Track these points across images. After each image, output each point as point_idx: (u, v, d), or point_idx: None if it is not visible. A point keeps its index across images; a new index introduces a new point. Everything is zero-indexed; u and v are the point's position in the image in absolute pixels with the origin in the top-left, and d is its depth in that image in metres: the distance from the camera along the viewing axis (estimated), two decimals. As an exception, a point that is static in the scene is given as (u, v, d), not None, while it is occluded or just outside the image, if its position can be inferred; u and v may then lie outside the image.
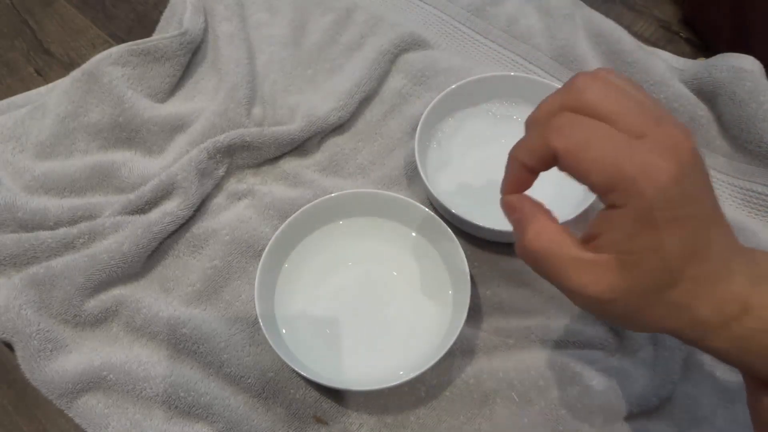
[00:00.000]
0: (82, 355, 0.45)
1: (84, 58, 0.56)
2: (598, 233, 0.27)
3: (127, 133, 0.53)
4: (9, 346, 0.45)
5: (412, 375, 0.40)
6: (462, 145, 0.53)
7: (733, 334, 0.27)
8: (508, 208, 0.31)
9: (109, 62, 0.53)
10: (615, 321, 0.29)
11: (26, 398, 0.44)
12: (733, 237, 0.28)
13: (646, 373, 0.43)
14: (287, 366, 0.43)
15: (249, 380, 0.44)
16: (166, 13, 0.61)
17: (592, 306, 0.28)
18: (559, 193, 0.50)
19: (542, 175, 0.48)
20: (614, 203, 0.26)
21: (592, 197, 0.46)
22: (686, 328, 0.28)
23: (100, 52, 0.54)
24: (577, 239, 0.28)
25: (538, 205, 0.30)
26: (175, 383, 0.43)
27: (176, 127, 0.53)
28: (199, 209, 0.51)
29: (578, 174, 0.27)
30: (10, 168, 0.52)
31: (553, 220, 0.29)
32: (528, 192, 0.31)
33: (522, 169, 0.30)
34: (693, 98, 0.54)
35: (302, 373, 0.40)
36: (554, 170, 0.29)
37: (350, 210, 0.48)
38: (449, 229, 0.45)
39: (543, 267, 0.28)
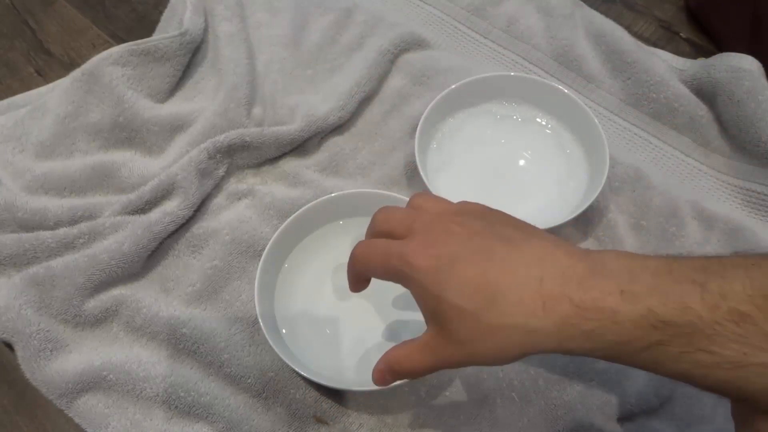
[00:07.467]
0: (82, 355, 0.45)
1: (84, 58, 0.56)
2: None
3: (127, 133, 0.53)
4: (9, 346, 0.45)
5: (412, 375, 0.40)
6: (462, 145, 0.53)
7: (581, 329, 0.28)
8: (379, 378, 0.35)
9: (110, 62, 0.53)
10: (483, 361, 0.32)
11: (26, 398, 0.44)
12: (542, 249, 0.30)
13: (645, 372, 0.43)
14: (287, 366, 0.43)
15: (249, 380, 0.44)
16: (166, 13, 0.61)
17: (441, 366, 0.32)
18: (559, 193, 0.50)
19: (543, 176, 0.48)
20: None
21: (591, 197, 0.46)
22: (528, 341, 0.29)
23: (100, 52, 0.54)
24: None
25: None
26: (175, 383, 0.43)
27: (176, 127, 0.53)
28: (199, 209, 0.51)
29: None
30: (10, 168, 0.52)
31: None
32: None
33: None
34: (693, 98, 0.54)
35: (302, 373, 0.40)
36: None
37: (350, 210, 0.48)
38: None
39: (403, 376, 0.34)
